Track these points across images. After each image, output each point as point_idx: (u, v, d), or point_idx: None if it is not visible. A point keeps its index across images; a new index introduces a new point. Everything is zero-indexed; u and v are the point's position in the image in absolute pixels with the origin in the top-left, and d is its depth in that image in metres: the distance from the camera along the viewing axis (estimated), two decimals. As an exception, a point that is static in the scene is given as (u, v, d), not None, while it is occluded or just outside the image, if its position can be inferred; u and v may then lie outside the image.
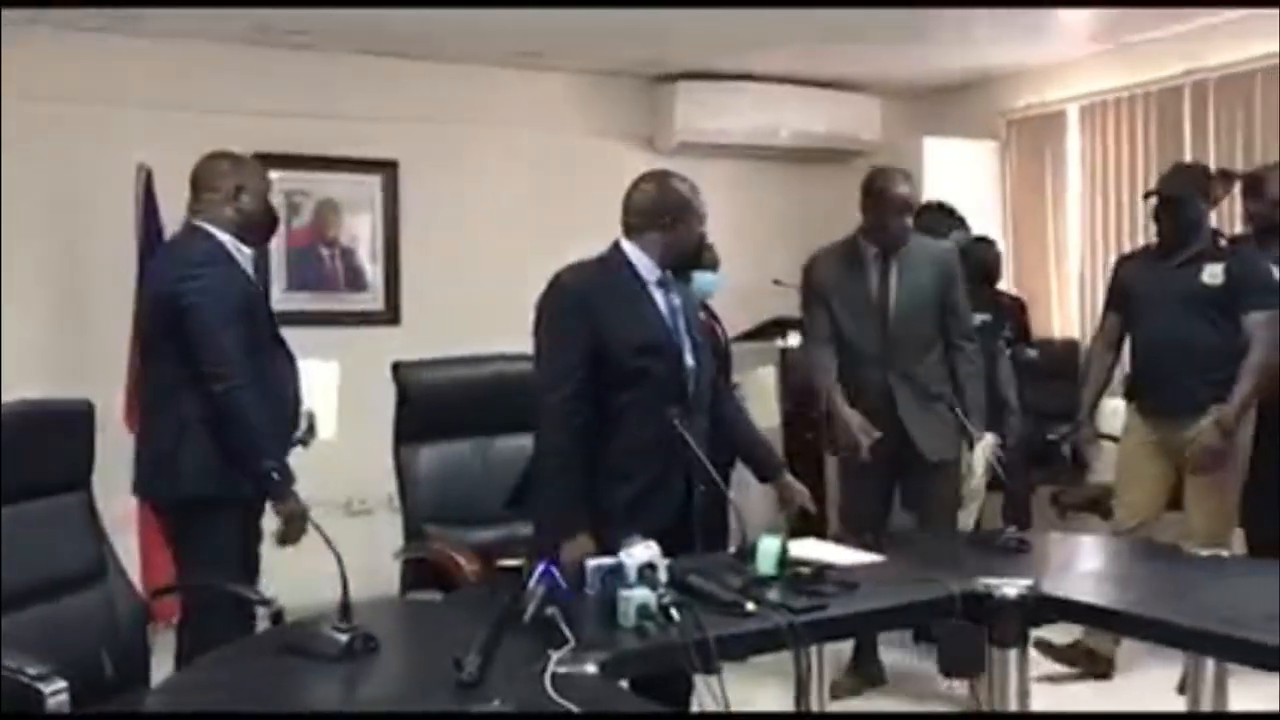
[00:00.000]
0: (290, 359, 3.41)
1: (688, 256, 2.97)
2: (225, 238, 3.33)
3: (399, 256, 5.76)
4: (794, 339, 5.68)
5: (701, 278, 4.26)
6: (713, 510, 2.89)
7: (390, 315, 5.76)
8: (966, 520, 4.25)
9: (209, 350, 3.14)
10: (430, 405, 3.74)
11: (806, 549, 2.85)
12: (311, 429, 3.46)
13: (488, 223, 5.83)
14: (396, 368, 3.77)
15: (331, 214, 5.69)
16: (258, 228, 3.43)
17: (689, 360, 2.91)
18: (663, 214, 2.89)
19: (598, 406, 2.79)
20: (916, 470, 4.00)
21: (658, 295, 2.91)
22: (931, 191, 5.93)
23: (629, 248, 2.92)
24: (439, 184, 5.78)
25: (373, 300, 5.76)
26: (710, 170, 5.95)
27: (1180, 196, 4.00)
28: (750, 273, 5.83)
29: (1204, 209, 4.08)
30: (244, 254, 3.39)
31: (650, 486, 2.82)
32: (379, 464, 3.80)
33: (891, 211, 3.96)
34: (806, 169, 6.63)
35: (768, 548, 2.65)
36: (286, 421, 3.34)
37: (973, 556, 2.94)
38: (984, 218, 5.41)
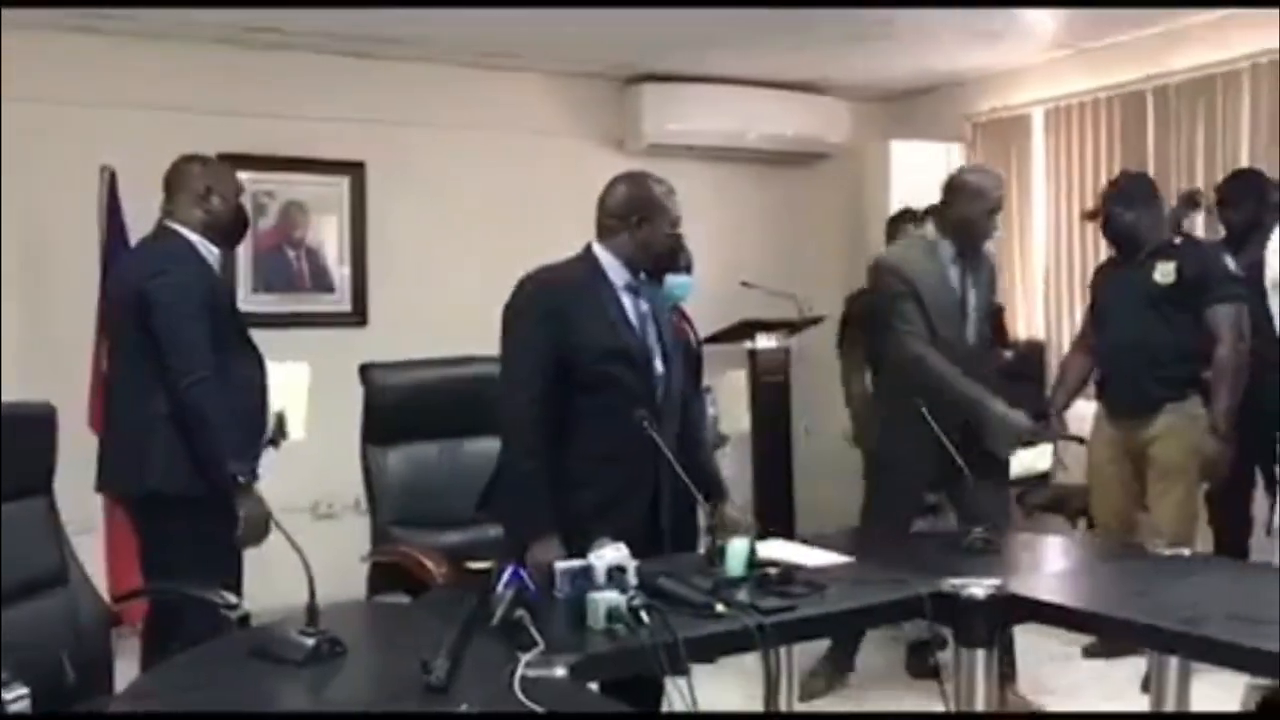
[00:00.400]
0: (259, 361, 3.41)
1: (659, 258, 2.93)
2: (194, 238, 3.35)
3: (366, 258, 5.72)
4: (763, 341, 5.74)
5: (674, 280, 4.24)
6: (683, 515, 2.89)
7: (357, 317, 5.71)
8: None
9: (174, 345, 3.15)
10: (398, 407, 3.73)
11: (775, 550, 2.85)
12: (282, 430, 3.46)
13: (456, 224, 5.81)
14: (364, 370, 3.76)
15: (298, 215, 5.65)
16: (228, 229, 3.45)
17: (658, 367, 2.89)
18: (629, 215, 2.86)
19: (563, 411, 2.79)
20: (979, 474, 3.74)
21: (626, 300, 2.89)
22: (898, 194, 6.00)
23: (600, 251, 2.90)
24: (407, 185, 5.75)
25: (340, 302, 5.72)
26: (679, 172, 5.70)
27: (1110, 211, 4.13)
28: (719, 274, 5.82)
29: (1141, 212, 4.15)
30: (213, 254, 3.41)
31: (616, 493, 2.81)
32: (346, 466, 3.79)
33: (984, 211, 3.77)
34: (774, 171, 6.66)
35: (736, 549, 2.65)
36: (253, 422, 3.34)
37: (941, 557, 2.94)
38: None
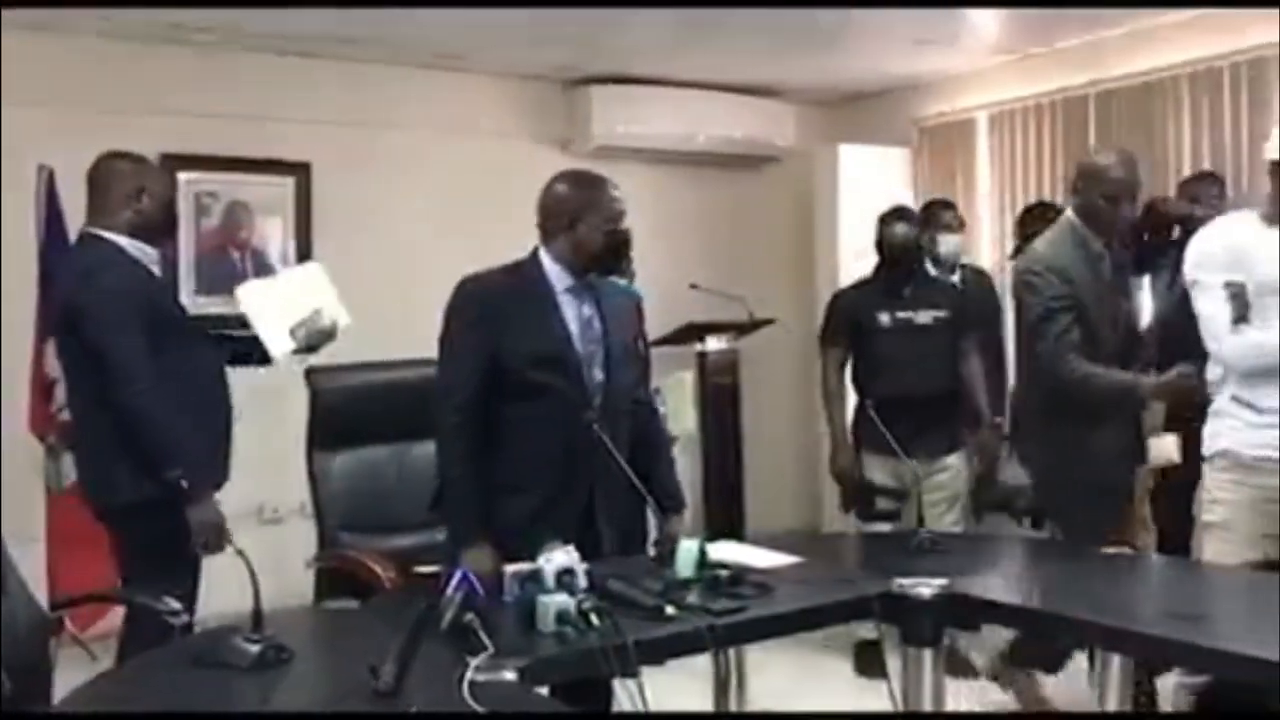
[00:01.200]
0: (214, 347, 3.36)
1: (595, 258, 2.85)
2: (123, 241, 3.26)
3: (312, 260, 5.44)
4: (712, 343, 5.67)
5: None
6: (626, 523, 2.89)
7: None
8: None
9: (108, 359, 3.08)
10: (344, 411, 3.70)
11: (725, 552, 2.84)
12: (325, 330, 3.45)
13: (402, 227, 5.76)
14: (309, 373, 3.72)
15: (243, 216, 5.59)
16: (159, 227, 3.36)
17: (596, 374, 2.85)
18: (562, 215, 2.83)
19: (497, 418, 2.77)
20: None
21: (567, 304, 2.86)
22: (846, 196, 6.13)
23: (543, 254, 2.88)
24: (353, 187, 5.70)
25: None
26: (627, 174, 5.64)
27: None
28: (667, 277, 5.80)
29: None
30: (148, 254, 3.32)
31: (550, 500, 2.79)
32: (291, 471, 3.76)
33: (1128, 198, 3.42)
34: (723, 173, 6.68)
35: (687, 551, 2.65)
36: (211, 417, 3.28)
37: (889, 557, 2.96)
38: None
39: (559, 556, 2.41)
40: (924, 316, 4.41)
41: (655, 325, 5.17)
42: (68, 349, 3.28)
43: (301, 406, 3.73)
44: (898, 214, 4.51)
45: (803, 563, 2.86)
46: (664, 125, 6.17)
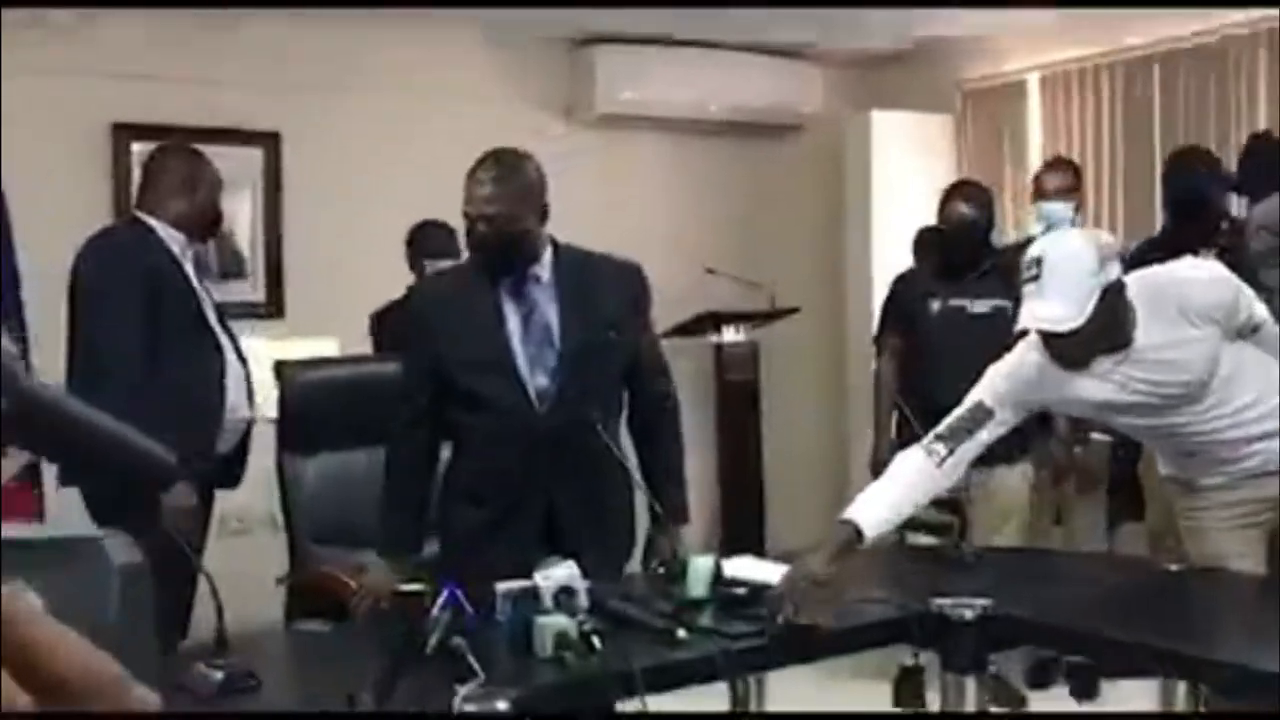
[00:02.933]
0: (218, 349, 3.57)
1: (474, 257, 2.94)
2: (157, 225, 3.57)
3: (282, 240, 5.64)
4: (730, 334, 5.75)
5: None
6: (615, 535, 2.94)
7: (272, 307, 5.64)
8: None
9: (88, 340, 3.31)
10: (319, 410, 3.72)
11: (743, 568, 2.83)
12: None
13: (383, 203, 5.65)
14: (280, 368, 3.74)
15: None
16: (200, 225, 3.70)
17: (540, 380, 2.89)
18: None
19: (448, 428, 2.91)
20: None
21: (508, 302, 2.91)
22: (880, 169, 6.10)
23: None
24: (328, 159, 5.64)
25: (252, 290, 5.63)
26: (634, 145, 6.24)
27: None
28: (680, 260, 5.78)
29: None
30: (177, 239, 3.63)
31: (504, 512, 2.87)
32: (259, 476, 3.77)
33: None
34: (743, 144, 6.58)
35: (699, 567, 2.67)
36: (207, 417, 3.45)
37: (928, 575, 2.95)
38: (936, 198, 5.32)
39: (558, 573, 2.43)
40: (981, 305, 4.35)
41: (665, 315, 5.11)
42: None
43: (270, 405, 3.76)
44: (959, 191, 4.52)
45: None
46: (677, 90, 6.17)
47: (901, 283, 4.63)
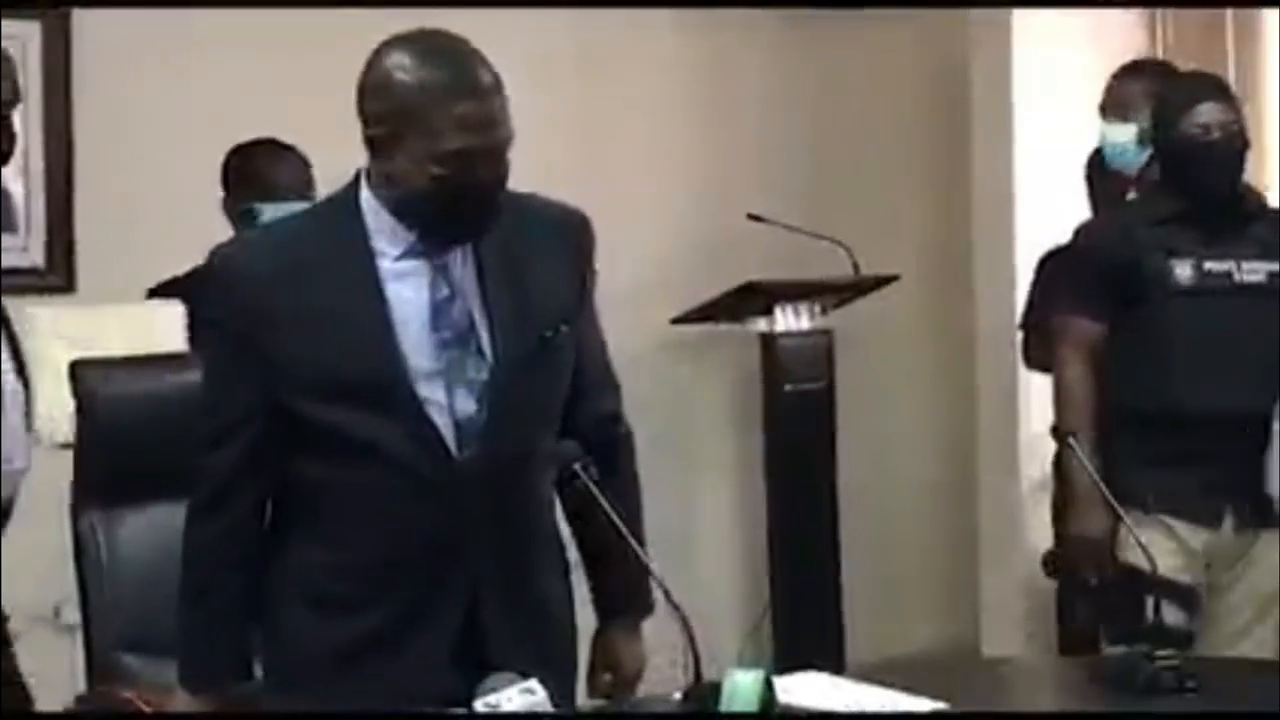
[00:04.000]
0: None
1: (425, 212, 2.48)
2: None
3: (73, 173, 4.88)
4: (788, 318, 5.11)
5: None
6: (558, 638, 2.64)
7: (58, 278, 4.93)
8: None
9: None
10: (133, 438, 3.30)
11: (808, 689, 2.66)
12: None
13: (217, 117, 4.86)
14: (76, 369, 3.39)
15: None
16: None
17: (462, 405, 2.53)
18: (381, 122, 2.48)
19: (300, 485, 2.56)
20: None
21: (399, 284, 2.54)
22: (1025, 71, 5.33)
23: (364, 191, 2.56)
24: (146, 38, 4.84)
25: (24, 252, 4.92)
26: (642, 26, 5.54)
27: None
28: (708, 202, 5.26)
29: None
30: None
31: (401, 620, 2.53)
32: (40, 546, 3.39)
33: None
34: (807, 26, 5.72)
35: (741, 690, 2.36)
36: None
37: (1096, 701, 2.86)
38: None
39: (518, 697, 2.27)
40: (1253, 270, 3.91)
41: (684, 287, 5.15)
42: None
43: (61, 427, 3.55)
44: (1199, 87, 4.08)
45: (949, 711, 2.66)
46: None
47: (1106, 233, 4.13)
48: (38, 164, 4.74)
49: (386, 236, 2.52)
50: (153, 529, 3.26)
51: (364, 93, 2.52)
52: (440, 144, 2.43)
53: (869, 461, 5.59)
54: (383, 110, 2.48)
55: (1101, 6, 5.23)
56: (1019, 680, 3.37)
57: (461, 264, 2.56)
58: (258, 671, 2.75)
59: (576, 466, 2.47)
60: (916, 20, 5.90)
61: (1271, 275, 3.90)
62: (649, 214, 4.79)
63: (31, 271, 4.79)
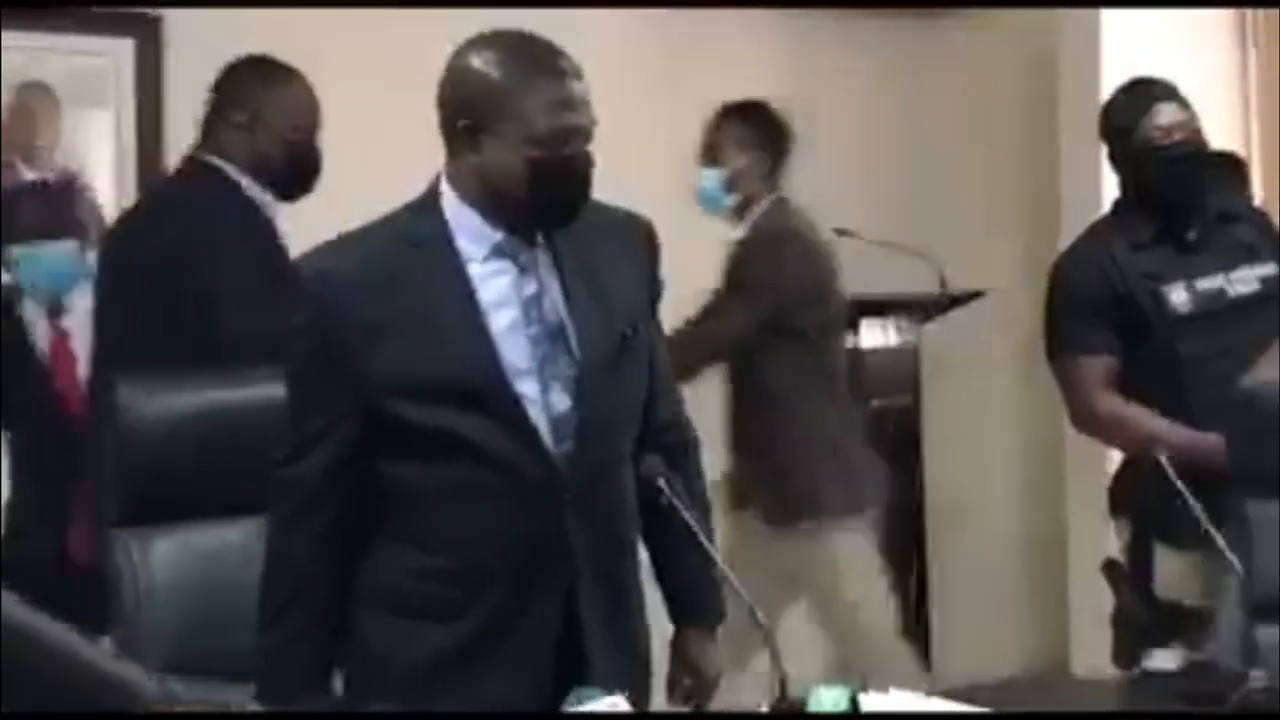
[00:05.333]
0: None
1: (523, 204, 2.56)
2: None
3: None
4: (871, 334, 5.28)
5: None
6: (635, 635, 2.73)
7: None
8: None
9: None
10: (173, 460, 3.33)
11: (896, 708, 2.65)
12: None
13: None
14: (107, 392, 3.53)
15: (40, 109, 4.88)
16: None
17: (557, 400, 2.61)
18: (460, 117, 2.58)
19: (386, 490, 2.62)
20: None
21: (488, 285, 2.62)
22: (1115, 69, 5.20)
23: (445, 191, 2.63)
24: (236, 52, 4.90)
25: None
26: (721, 26, 5.73)
27: None
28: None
29: None
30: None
31: (490, 629, 2.61)
32: None
33: None
34: (891, 26, 5.87)
35: (828, 705, 2.46)
36: None
37: None
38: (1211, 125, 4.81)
39: (599, 708, 2.32)
40: (1243, 280, 3.95)
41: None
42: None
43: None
44: (1150, 90, 4.07)
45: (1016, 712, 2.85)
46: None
47: (1091, 266, 4.10)
48: (130, 181, 4.88)
49: (471, 237, 2.58)
50: (177, 547, 3.35)
51: (447, 88, 2.57)
52: (535, 126, 2.48)
53: (955, 483, 5.69)
54: (471, 101, 2.53)
55: (1190, 7, 5.18)
56: (1101, 696, 3.33)
57: (543, 264, 2.62)
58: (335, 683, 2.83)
59: (661, 482, 2.52)
60: (1005, 17, 5.95)
61: (1263, 280, 3.91)
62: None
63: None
